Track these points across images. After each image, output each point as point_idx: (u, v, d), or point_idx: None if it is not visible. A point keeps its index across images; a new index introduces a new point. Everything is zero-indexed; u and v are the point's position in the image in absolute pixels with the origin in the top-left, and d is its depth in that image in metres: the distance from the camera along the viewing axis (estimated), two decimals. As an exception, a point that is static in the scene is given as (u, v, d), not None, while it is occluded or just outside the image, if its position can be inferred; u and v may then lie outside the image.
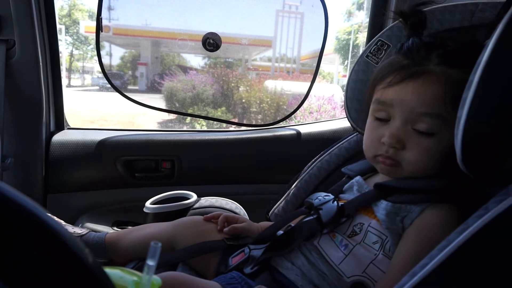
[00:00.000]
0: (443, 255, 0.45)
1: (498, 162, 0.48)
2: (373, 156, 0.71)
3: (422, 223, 0.62)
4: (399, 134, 0.65)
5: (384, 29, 0.87)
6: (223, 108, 4.79)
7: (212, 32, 1.28)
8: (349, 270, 0.64)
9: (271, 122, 1.53)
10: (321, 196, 0.76)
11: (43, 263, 0.30)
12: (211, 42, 1.27)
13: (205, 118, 2.75)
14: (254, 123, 4.46)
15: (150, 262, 0.45)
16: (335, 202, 0.72)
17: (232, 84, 4.88)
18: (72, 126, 1.43)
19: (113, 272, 0.48)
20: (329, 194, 0.77)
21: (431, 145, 0.64)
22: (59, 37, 1.33)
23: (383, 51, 0.86)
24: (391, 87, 0.67)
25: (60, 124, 1.38)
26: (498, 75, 0.46)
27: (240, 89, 4.89)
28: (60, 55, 1.36)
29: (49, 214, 0.31)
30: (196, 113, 4.23)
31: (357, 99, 0.90)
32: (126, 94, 1.40)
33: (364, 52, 0.88)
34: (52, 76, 1.30)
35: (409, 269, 0.48)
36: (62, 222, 0.95)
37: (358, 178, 0.77)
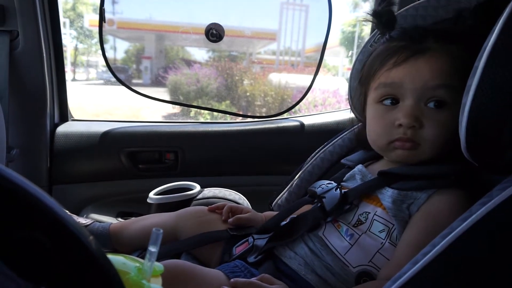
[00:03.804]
0: (446, 243, 0.45)
1: (501, 151, 0.48)
2: (388, 143, 0.69)
3: (429, 209, 0.62)
4: (414, 112, 0.64)
5: None
6: (227, 102, 4.78)
7: (215, 23, 1.27)
8: (355, 260, 0.63)
9: (274, 114, 1.52)
10: (324, 184, 0.76)
11: (45, 247, 0.30)
12: (214, 33, 1.26)
13: (210, 109, 2.75)
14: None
15: (152, 248, 0.45)
16: (338, 189, 0.72)
17: (236, 78, 4.87)
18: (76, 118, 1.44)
19: (116, 258, 0.48)
20: (332, 182, 0.77)
21: (447, 120, 0.63)
22: (63, 30, 1.33)
23: (387, 40, 0.84)
24: (398, 66, 0.66)
25: (64, 115, 1.38)
26: (503, 62, 0.46)
27: (244, 82, 4.87)
28: (65, 48, 1.36)
29: (52, 198, 0.31)
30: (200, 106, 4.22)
31: (361, 89, 0.89)
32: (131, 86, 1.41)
33: (368, 41, 0.87)
34: (55, 67, 1.30)
35: (414, 256, 0.48)
36: (67, 212, 0.95)
37: (360, 166, 0.76)
